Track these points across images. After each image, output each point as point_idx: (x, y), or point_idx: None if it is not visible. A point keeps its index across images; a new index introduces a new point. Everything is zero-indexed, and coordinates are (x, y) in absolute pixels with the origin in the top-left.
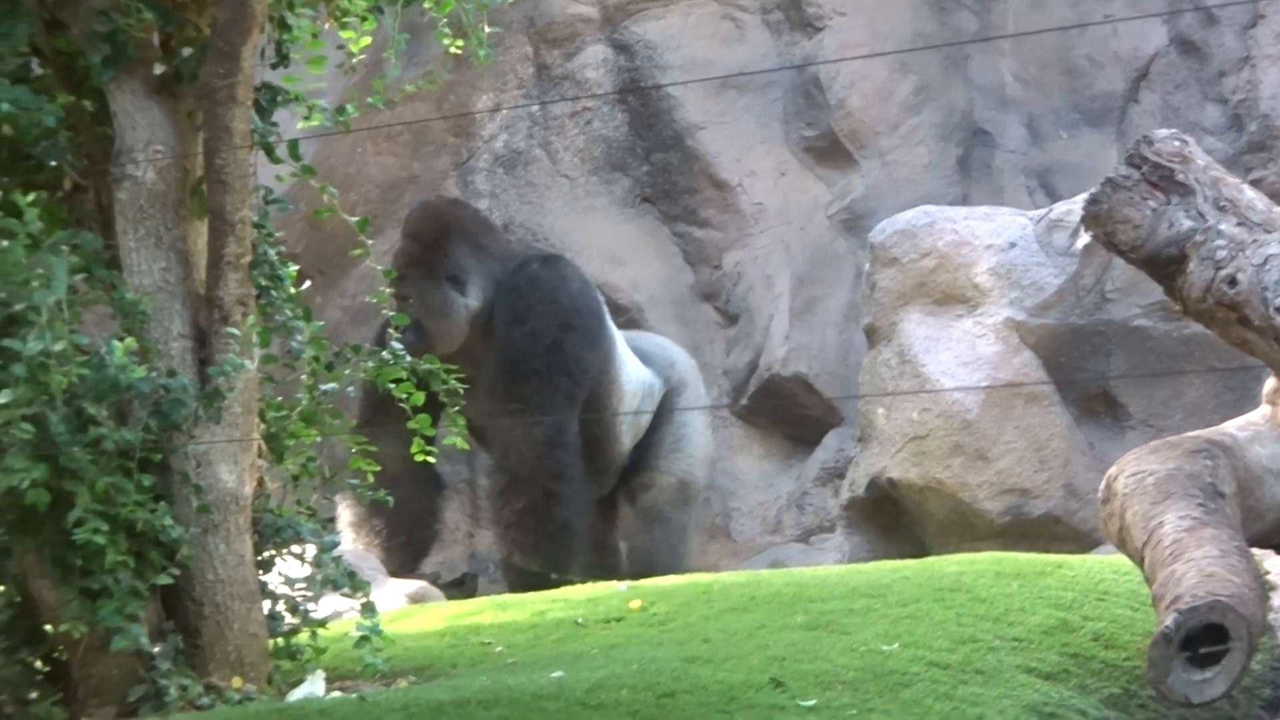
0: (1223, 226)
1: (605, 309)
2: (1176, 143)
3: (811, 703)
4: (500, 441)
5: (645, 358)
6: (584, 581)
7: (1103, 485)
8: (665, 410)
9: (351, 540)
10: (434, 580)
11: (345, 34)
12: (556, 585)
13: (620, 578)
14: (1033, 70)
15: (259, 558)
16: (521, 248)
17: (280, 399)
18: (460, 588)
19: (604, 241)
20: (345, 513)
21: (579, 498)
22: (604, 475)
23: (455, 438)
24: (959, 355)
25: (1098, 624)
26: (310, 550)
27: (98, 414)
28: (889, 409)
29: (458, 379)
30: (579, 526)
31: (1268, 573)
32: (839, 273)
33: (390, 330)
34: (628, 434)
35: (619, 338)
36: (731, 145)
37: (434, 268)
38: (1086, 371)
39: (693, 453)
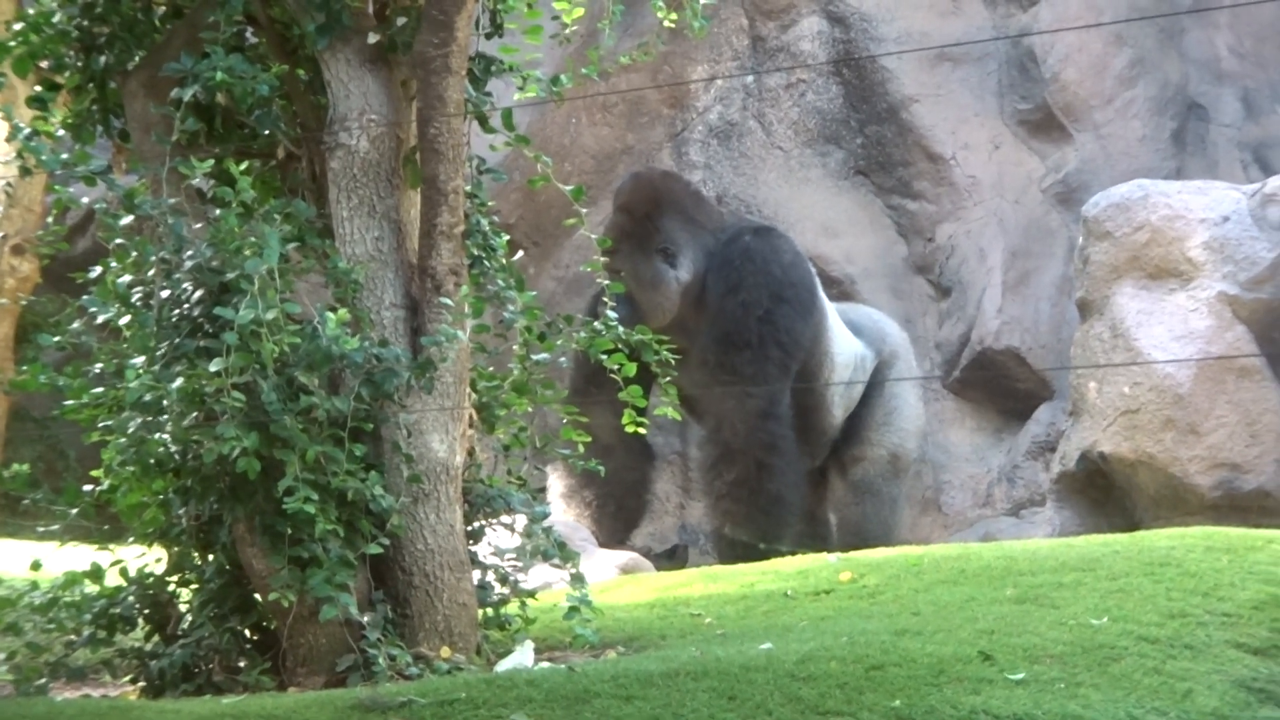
0: None
1: (817, 281)
2: None
3: (1020, 676)
4: (712, 413)
5: (857, 330)
6: (794, 553)
7: None
8: (877, 382)
9: (562, 511)
10: (645, 552)
11: (560, 4)
12: (767, 556)
13: (831, 550)
14: (1248, 44)
15: (469, 528)
16: (733, 220)
17: (492, 369)
18: (671, 559)
19: (818, 214)
20: (556, 483)
21: (791, 470)
22: (816, 446)
23: (667, 408)
24: (1171, 329)
25: None
26: (521, 520)
27: (309, 383)
28: (1100, 383)
29: (670, 350)
30: (791, 498)
31: None
32: (1052, 246)
33: (604, 300)
34: (839, 405)
35: (831, 310)
36: (946, 118)
37: (645, 241)
38: None
39: (904, 425)
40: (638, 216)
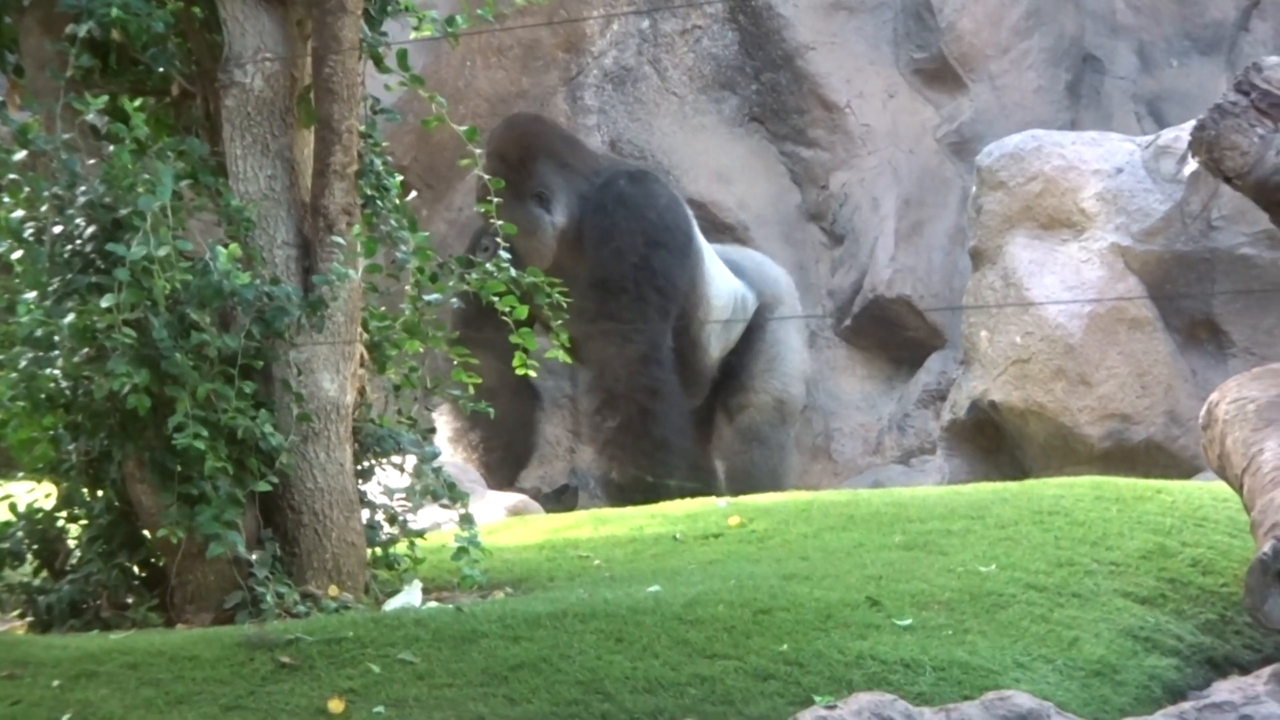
0: None
1: (694, 223)
2: None
3: (908, 622)
4: (594, 359)
5: (739, 272)
6: (681, 497)
7: (1203, 411)
8: (759, 326)
9: (450, 453)
10: (534, 494)
11: None
12: (653, 500)
13: (718, 494)
14: None
15: (359, 467)
16: (609, 163)
17: (384, 309)
18: (559, 500)
19: (712, 160)
20: (445, 425)
21: (675, 413)
22: (696, 387)
23: (557, 352)
24: (1064, 279)
25: (1196, 550)
26: (410, 461)
27: (200, 320)
28: (992, 332)
29: (561, 293)
30: (676, 442)
31: None
32: (946, 196)
33: (484, 241)
34: (716, 344)
35: (709, 251)
36: (841, 66)
37: (519, 186)
38: (1190, 298)
39: (789, 371)
40: (511, 162)
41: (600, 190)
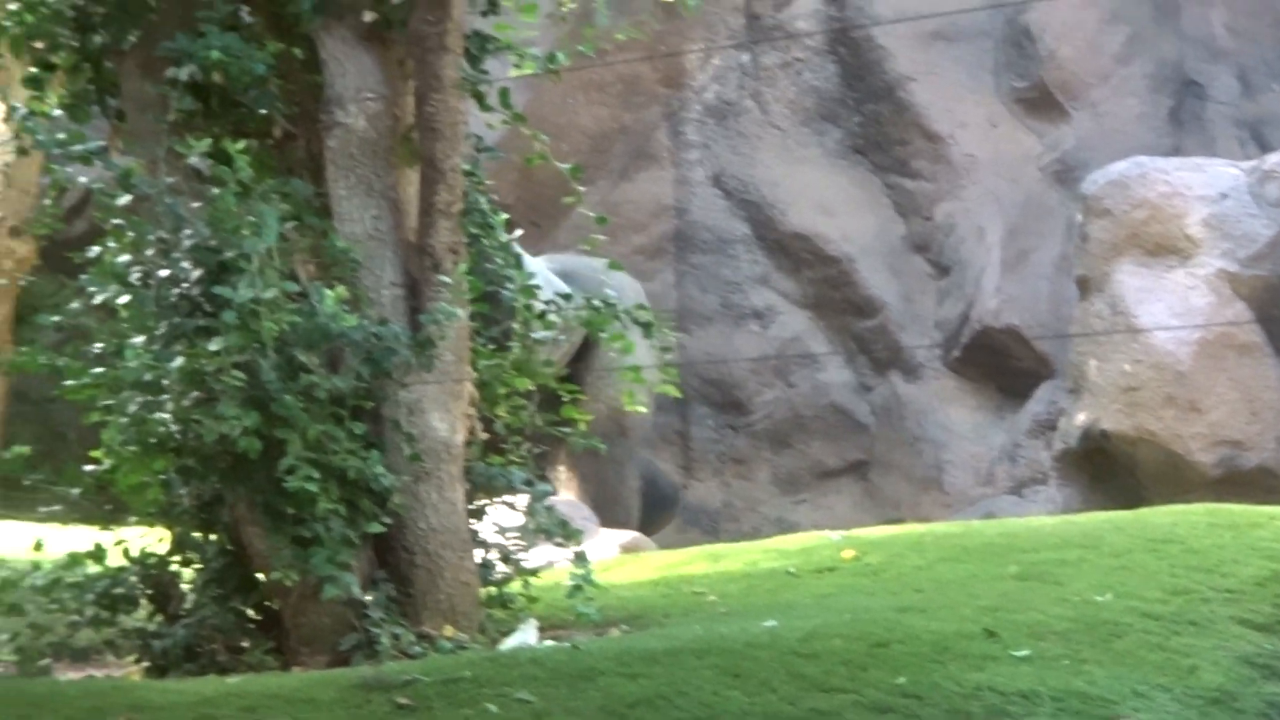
0: None
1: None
2: None
3: (1024, 653)
4: None
5: (571, 281)
6: None
7: None
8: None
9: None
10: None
11: None
12: None
13: None
14: (1244, 21)
15: (471, 506)
16: None
17: (492, 347)
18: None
19: (815, 193)
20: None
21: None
22: None
23: (667, 386)
24: (1171, 306)
25: None
26: (523, 499)
27: (309, 361)
28: (1101, 361)
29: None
30: None
31: None
32: (1050, 224)
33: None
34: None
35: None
36: (942, 96)
37: None
38: None
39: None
40: None
41: None
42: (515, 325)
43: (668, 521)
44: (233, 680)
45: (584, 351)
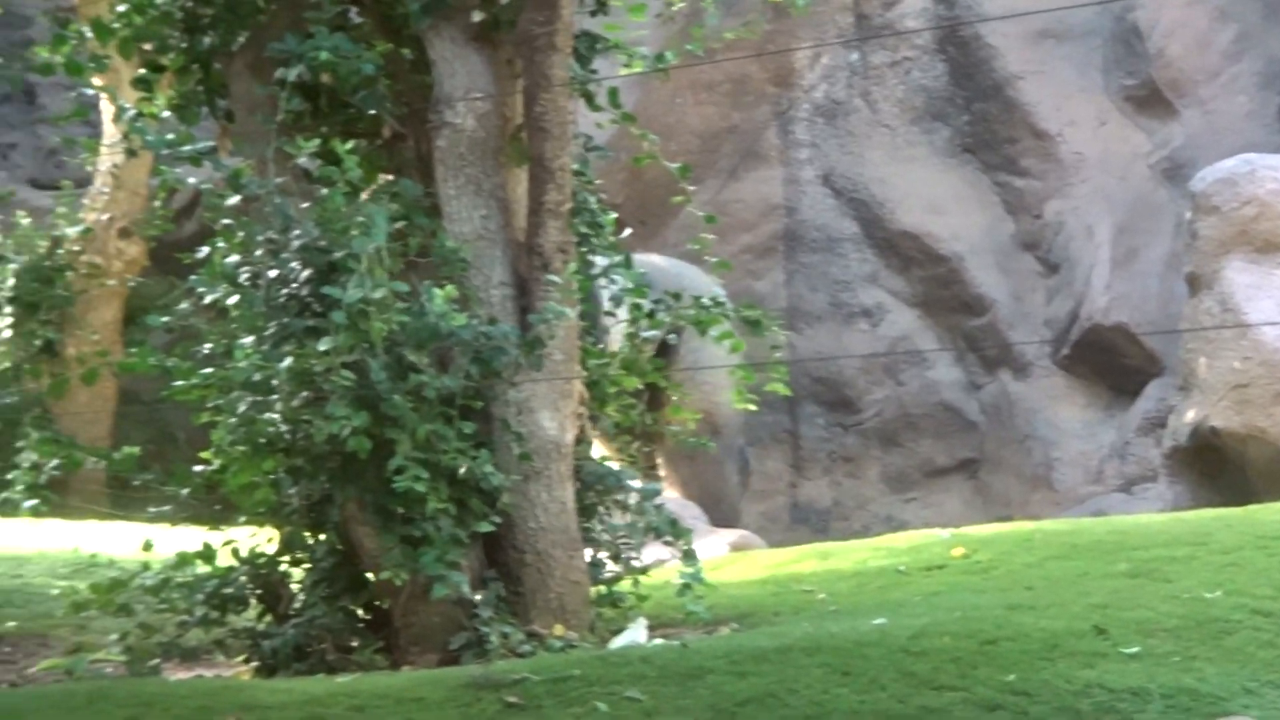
0: None
1: None
2: None
3: (1134, 650)
4: None
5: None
6: None
7: None
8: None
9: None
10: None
11: None
12: None
13: None
14: None
15: (580, 505)
16: None
17: (601, 346)
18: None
19: (924, 191)
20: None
21: None
22: None
23: (778, 384)
24: None
25: None
26: (632, 498)
27: (418, 361)
28: (1211, 358)
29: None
30: None
31: None
32: (1159, 222)
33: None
34: None
35: None
36: (1051, 94)
37: None
38: None
39: (712, 379)
40: None
41: None
42: (624, 325)
43: (746, 487)
44: (342, 680)
45: (662, 352)
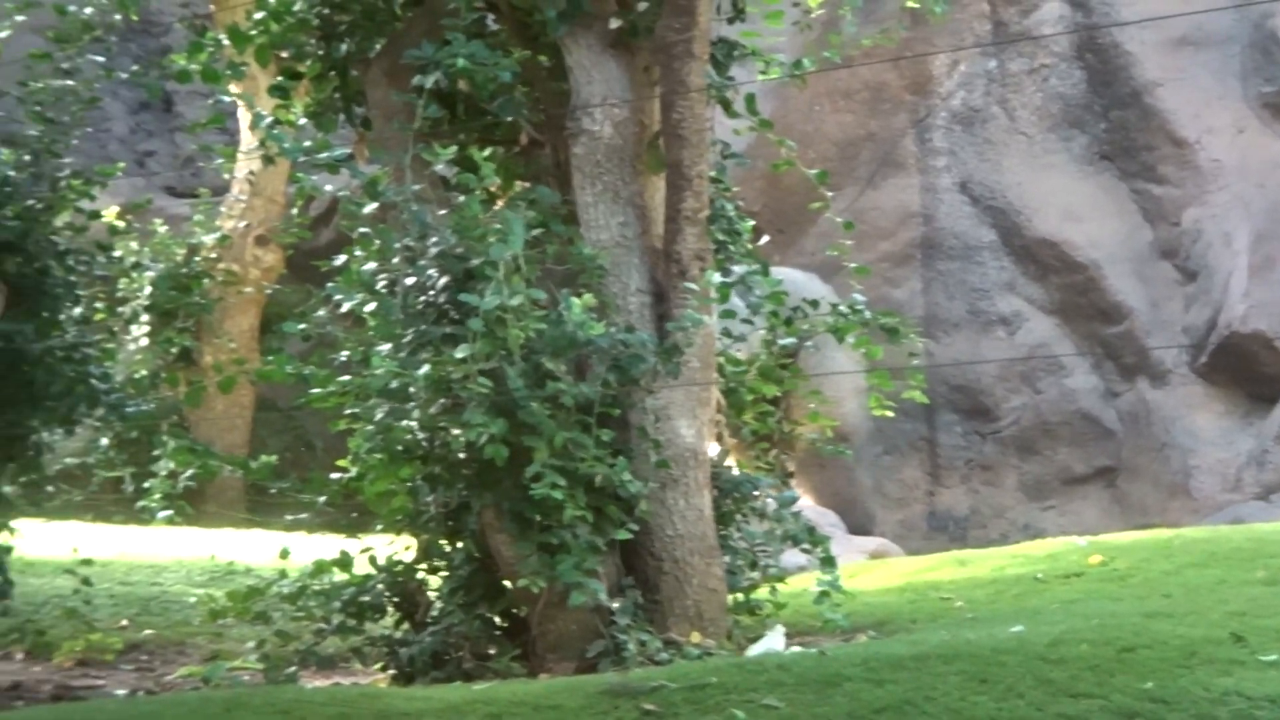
0: None
1: None
2: None
3: (1272, 657)
4: None
5: None
6: None
7: None
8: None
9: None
10: None
11: None
12: None
13: None
14: None
15: (718, 512)
16: None
17: (739, 353)
18: None
19: (1062, 199)
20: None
21: None
22: None
23: (915, 392)
24: None
25: None
26: (770, 505)
27: (556, 369)
28: None
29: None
30: None
31: None
32: None
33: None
34: None
35: None
36: (1189, 102)
37: None
38: None
39: (832, 392)
40: None
41: None
42: (761, 332)
43: None
44: (479, 687)
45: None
